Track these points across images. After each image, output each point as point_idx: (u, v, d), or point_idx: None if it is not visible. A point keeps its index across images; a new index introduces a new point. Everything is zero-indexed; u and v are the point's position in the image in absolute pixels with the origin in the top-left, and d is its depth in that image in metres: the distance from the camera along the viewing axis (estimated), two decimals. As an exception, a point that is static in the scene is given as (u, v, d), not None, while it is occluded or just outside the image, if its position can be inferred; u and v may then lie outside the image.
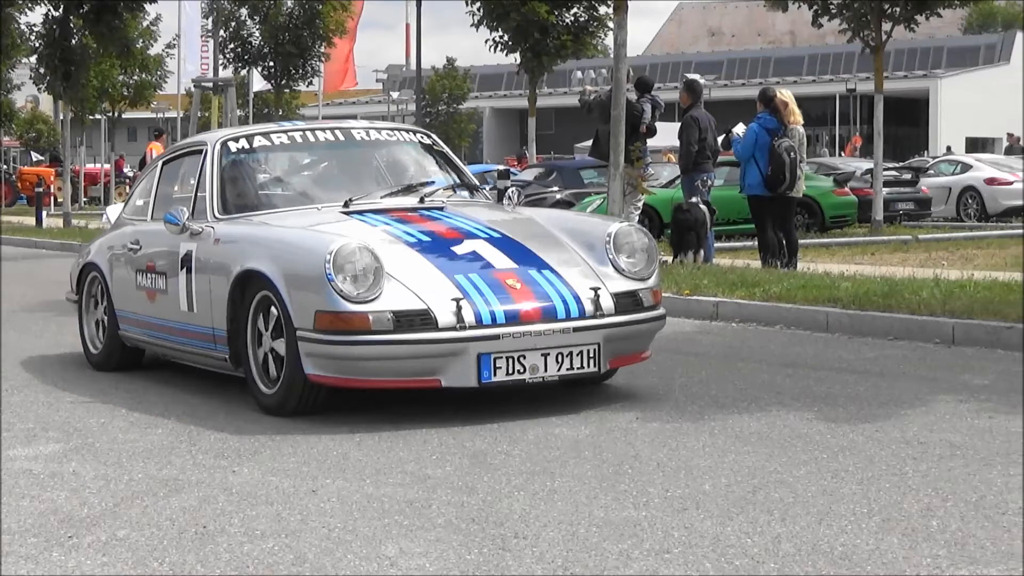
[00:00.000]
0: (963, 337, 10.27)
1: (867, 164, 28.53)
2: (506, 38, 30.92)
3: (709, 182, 16.92)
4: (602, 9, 30.25)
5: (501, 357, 7.62)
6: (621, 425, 7.44)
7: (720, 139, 16.87)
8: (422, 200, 9.09)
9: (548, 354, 7.73)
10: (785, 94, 15.89)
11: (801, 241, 17.28)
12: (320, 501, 5.91)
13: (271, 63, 34.23)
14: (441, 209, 8.96)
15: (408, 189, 9.32)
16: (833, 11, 25.25)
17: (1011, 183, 30.09)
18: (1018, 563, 4.80)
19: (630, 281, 8.25)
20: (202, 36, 46.55)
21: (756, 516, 5.49)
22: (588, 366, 7.88)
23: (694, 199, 16.51)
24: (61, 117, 35.23)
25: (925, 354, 9.94)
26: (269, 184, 9.63)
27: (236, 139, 9.55)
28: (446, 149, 10.23)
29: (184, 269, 8.91)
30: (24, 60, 39.89)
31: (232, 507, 5.84)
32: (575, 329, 7.81)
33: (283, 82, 34.93)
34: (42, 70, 32.05)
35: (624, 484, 6.08)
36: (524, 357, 7.67)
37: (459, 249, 8.17)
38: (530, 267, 8.10)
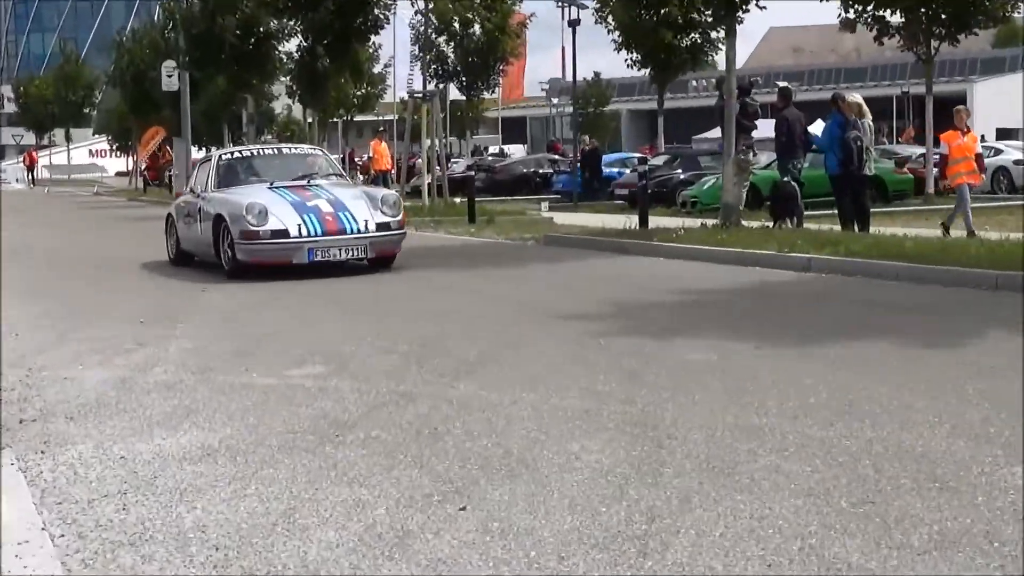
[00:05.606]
0: (1005, 283, 9.96)
1: (920, 149, 27.98)
2: (640, 57, 31.63)
3: (799, 165, 16.56)
4: (713, 34, 30.10)
5: (319, 250, 12.66)
6: (742, 351, 7.33)
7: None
8: (308, 181, 13.94)
9: (341, 249, 12.71)
10: (857, 96, 15.60)
11: (871, 210, 16.84)
12: (519, 409, 5.89)
13: (463, 78, 34.18)
14: (317, 186, 13.72)
15: (303, 176, 14.14)
16: (891, 32, 25.63)
17: (1036, 163, 29.01)
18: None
19: (387, 217, 13.07)
20: (410, 59, 46.64)
21: (851, 423, 5.38)
22: (364, 255, 12.86)
23: (786, 178, 16.21)
24: (309, 120, 35.78)
25: (974, 297, 9.67)
26: (240, 173, 14.48)
27: (230, 153, 15.58)
28: (331, 156, 15.74)
29: (199, 214, 13.87)
30: (282, 79, 40.30)
31: (454, 414, 5.85)
32: (356, 239, 12.76)
33: (472, 93, 34.94)
34: (295, 87, 32.72)
35: (747, 397, 5.99)
36: (329, 251, 12.70)
37: (310, 204, 13.01)
38: (340, 211, 12.93)
